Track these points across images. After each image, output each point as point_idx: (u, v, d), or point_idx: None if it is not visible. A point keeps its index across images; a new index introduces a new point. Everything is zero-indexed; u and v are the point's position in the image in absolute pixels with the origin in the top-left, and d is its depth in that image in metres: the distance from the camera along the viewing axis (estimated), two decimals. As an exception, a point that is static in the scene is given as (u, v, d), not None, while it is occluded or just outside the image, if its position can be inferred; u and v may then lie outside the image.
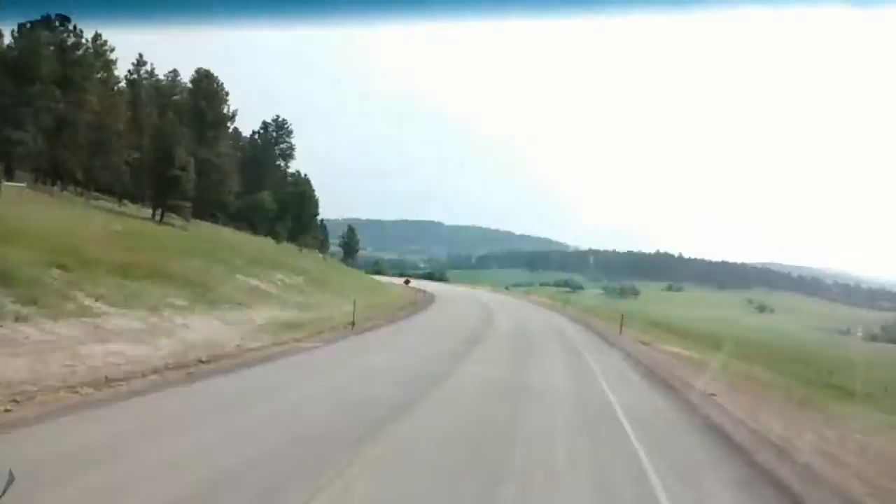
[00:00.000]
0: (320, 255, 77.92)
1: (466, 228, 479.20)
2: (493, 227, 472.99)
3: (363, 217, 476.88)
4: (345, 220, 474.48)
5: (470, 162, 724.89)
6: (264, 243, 58.52)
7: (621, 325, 44.13)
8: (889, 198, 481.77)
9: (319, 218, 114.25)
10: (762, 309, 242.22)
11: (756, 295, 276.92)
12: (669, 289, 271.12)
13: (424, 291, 76.34)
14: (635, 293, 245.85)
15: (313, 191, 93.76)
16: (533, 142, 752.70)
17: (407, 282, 75.50)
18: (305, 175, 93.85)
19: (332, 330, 27.95)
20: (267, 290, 36.49)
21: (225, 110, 61.27)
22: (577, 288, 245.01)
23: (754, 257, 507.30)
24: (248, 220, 69.70)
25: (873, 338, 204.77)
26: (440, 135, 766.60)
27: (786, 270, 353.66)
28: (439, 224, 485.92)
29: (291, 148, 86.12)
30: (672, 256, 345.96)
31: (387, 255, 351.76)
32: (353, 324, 29.88)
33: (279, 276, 43.51)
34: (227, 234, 53.35)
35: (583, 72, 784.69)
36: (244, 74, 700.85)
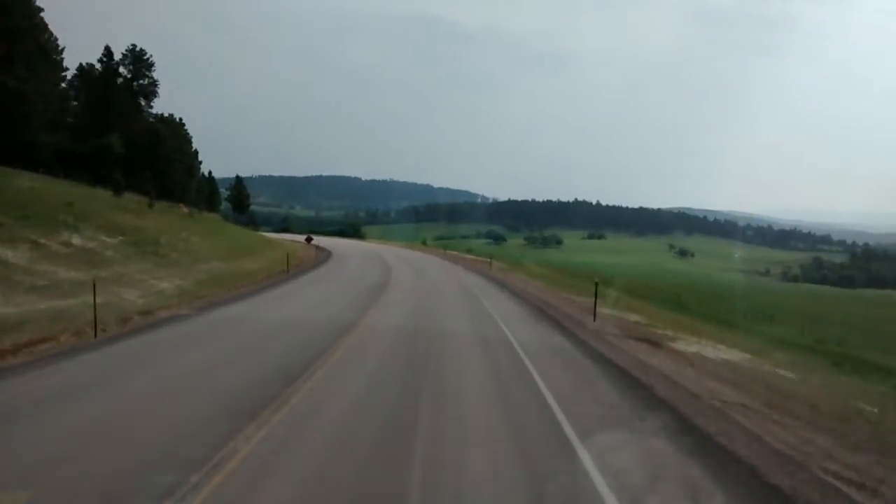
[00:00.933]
0: (185, 210, 63.15)
1: (384, 182, 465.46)
2: (411, 180, 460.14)
3: (276, 174, 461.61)
4: (260, 177, 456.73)
5: (382, 112, 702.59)
6: (86, 195, 43.84)
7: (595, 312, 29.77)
8: (797, 142, 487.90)
9: (208, 171, 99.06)
10: (683, 254, 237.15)
11: (675, 240, 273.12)
12: (591, 237, 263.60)
13: (325, 250, 63.59)
14: (558, 242, 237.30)
15: (186, 136, 78.63)
16: (447, 89, 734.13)
17: (309, 239, 62.47)
18: (180, 119, 78.92)
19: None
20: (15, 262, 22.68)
21: (29, 25, 45.20)
22: (499, 239, 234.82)
23: (670, 202, 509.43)
24: (92, 167, 54.82)
25: (794, 279, 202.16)
26: (349, 84, 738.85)
27: (701, 215, 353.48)
28: (356, 179, 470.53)
29: (154, 84, 70.43)
30: (590, 204, 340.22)
31: (303, 213, 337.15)
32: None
33: (76, 237, 29.65)
34: (25, 182, 38.67)
35: (491, 8, 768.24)
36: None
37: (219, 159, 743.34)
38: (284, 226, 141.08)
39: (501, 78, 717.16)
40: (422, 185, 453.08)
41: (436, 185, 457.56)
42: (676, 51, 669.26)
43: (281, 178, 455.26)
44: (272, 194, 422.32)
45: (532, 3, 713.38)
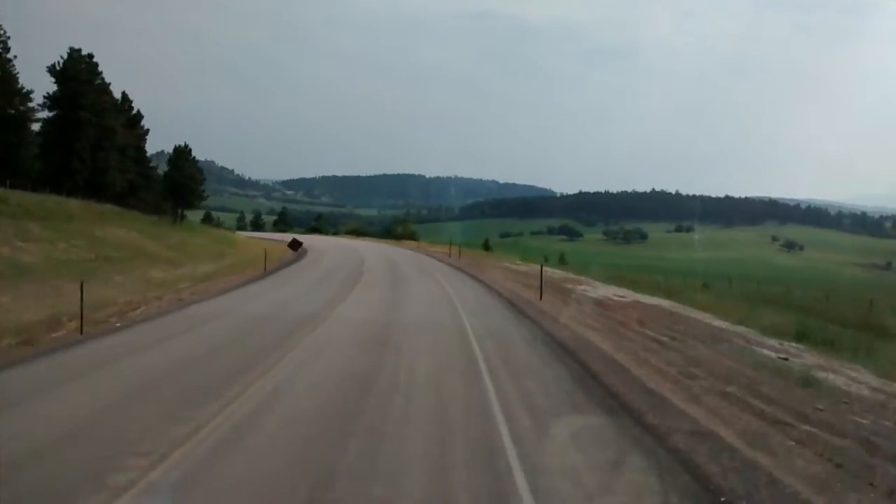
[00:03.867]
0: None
1: (448, 179, 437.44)
2: (476, 176, 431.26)
3: (339, 174, 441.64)
4: (322, 177, 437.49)
5: (446, 110, 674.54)
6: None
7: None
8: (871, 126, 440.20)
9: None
10: (790, 246, 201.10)
11: (769, 230, 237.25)
12: (678, 230, 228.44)
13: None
14: (642, 237, 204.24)
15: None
16: (512, 84, 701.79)
17: (295, 245, 35.71)
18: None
19: None
20: None
21: None
22: (574, 235, 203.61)
23: (751, 191, 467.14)
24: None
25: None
26: (413, 83, 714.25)
27: (792, 203, 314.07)
28: (420, 177, 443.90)
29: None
30: (670, 195, 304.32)
31: (365, 212, 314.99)
32: None
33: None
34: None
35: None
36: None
37: (282, 161, 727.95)
38: (315, 225, 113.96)
39: (568, 70, 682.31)
40: (487, 181, 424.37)
41: (501, 180, 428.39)
42: (750, 38, 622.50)
43: (344, 178, 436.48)
44: (336, 195, 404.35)
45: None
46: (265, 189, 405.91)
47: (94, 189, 51.76)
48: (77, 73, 51.57)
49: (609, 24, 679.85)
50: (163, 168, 77.11)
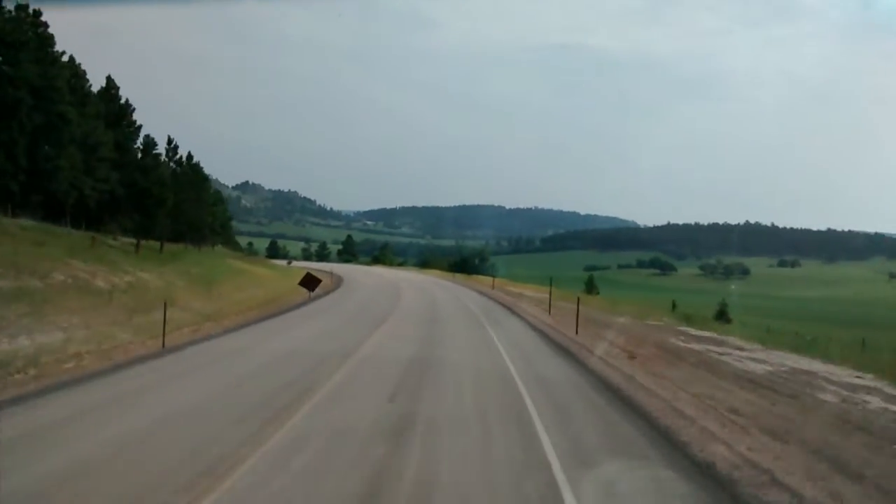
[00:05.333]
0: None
1: (528, 211, 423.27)
2: (556, 207, 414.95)
3: (419, 204, 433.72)
4: (402, 208, 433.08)
5: (526, 142, 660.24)
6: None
7: None
8: None
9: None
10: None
11: (875, 265, 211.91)
12: (781, 265, 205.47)
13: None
14: (743, 272, 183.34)
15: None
16: (592, 116, 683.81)
17: (309, 283, 22.22)
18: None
19: None
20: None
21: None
22: (666, 269, 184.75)
23: (860, 224, 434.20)
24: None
25: None
26: (492, 116, 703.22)
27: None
28: (499, 207, 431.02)
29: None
30: (765, 227, 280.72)
31: (443, 242, 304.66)
32: None
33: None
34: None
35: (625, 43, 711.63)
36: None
37: (363, 192, 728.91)
38: (377, 256, 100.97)
39: (650, 101, 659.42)
40: (567, 213, 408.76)
41: (582, 211, 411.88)
42: (835, 66, 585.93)
43: (424, 208, 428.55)
44: (415, 225, 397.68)
45: (680, 24, 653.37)
46: (346, 219, 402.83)
47: (50, 202, 38.48)
48: (15, 34, 36.70)
49: (691, 55, 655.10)
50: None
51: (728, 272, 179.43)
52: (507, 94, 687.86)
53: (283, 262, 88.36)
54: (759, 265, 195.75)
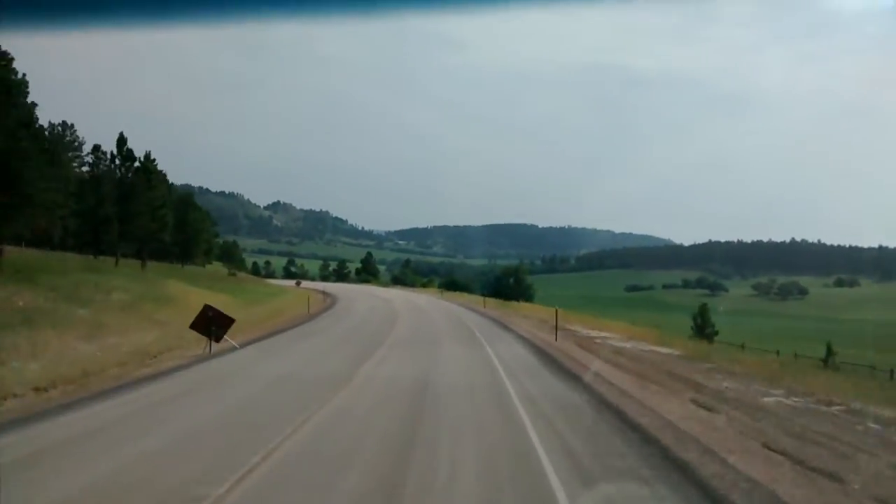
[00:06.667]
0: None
1: (562, 230, 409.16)
2: (590, 226, 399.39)
3: (450, 223, 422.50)
4: (433, 227, 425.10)
5: (558, 160, 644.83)
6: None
7: None
8: None
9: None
10: None
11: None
12: (838, 284, 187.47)
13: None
14: (801, 292, 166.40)
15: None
16: (626, 134, 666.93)
17: (201, 324, 6.60)
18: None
19: None
20: None
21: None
22: (716, 289, 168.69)
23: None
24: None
25: None
26: (524, 135, 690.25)
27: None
28: (532, 227, 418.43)
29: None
30: (811, 244, 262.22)
31: (476, 262, 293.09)
32: None
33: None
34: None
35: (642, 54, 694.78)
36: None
37: (395, 212, 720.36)
38: (398, 275, 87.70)
39: (682, 119, 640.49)
40: (602, 231, 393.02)
41: (617, 230, 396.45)
42: (874, 80, 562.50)
43: (455, 227, 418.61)
44: (447, 245, 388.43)
45: (713, 41, 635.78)
46: (377, 239, 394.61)
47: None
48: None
49: (724, 72, 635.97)
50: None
51: (784, 292, 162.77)
52: (539, 114, 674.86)
53: (291, 283, 76.07)
54: (815, 285, 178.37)
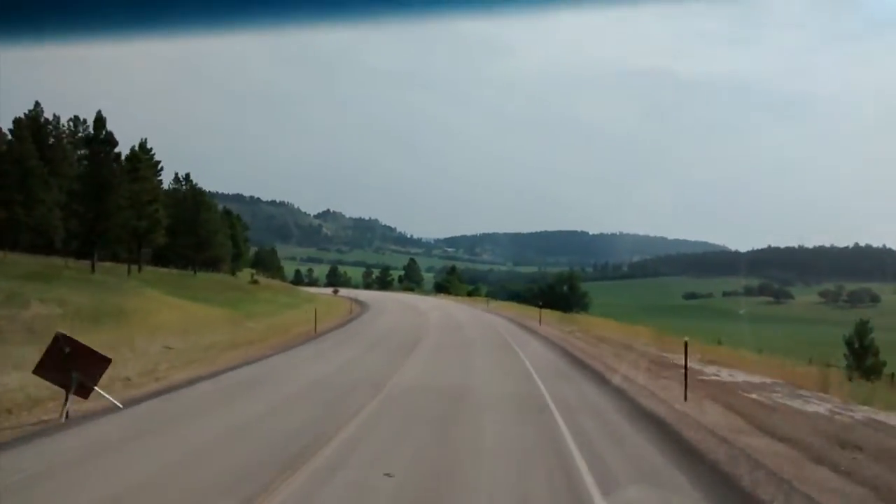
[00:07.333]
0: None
1: (614, 236, 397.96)
2: (642, 233, 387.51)
3: (500, 231, 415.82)
4: (482, 234, 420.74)
5: (611, 167, 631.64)
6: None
7: None
8: None
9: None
10: None
11: None
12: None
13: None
14: (873, 300, 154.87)
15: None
16: (679, 140, 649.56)
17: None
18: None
19: None
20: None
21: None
22: (780, 296, 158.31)
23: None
24: None
25: None
26: (576, 142, 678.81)
27: None
28: (583, 234, 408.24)
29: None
30: (877, 249, 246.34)
31: (525, 269, 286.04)
32: None
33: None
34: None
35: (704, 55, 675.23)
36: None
37: (443, 220, 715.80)
38: (442, 282, 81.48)
39: (737, 124, 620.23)
40: (655, 238, 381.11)
41: (670, 236, 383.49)
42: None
43: (505, 235, 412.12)
44: (496, 252, 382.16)
45: (766, 44, 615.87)
46: (426, 247, 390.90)
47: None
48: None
49: (780, 75, 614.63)
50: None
51: (854, 299, 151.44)
52: (592, 119, 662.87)
53: (328, 291, 70.88)
54: (884, 291, 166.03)
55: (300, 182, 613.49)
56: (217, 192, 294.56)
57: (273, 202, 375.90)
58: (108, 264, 39.74)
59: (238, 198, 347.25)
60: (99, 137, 35.64)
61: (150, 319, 20.81)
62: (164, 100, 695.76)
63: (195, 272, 54.67)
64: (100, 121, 34.89)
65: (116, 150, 38.71)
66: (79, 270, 33.68)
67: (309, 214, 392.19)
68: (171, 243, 51.51)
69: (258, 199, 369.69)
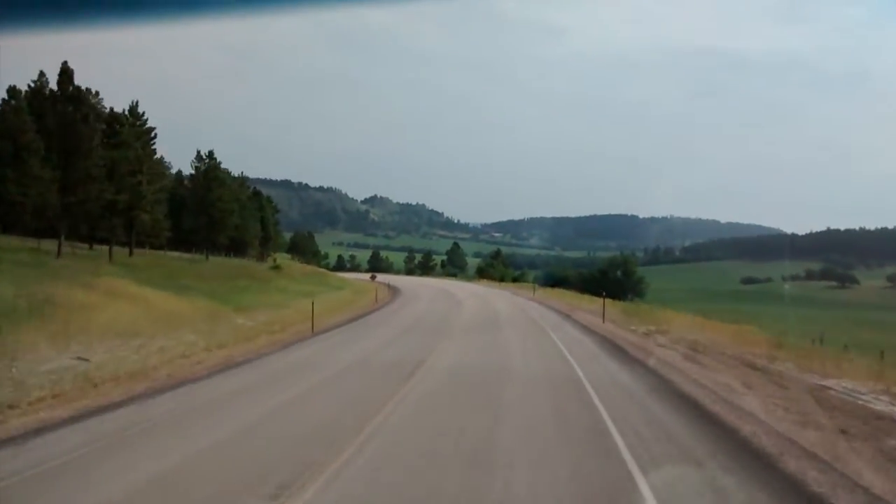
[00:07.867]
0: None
1: (664, 220, 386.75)
2: (693, 216, 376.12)
3: (548, 215, 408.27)
4: (529, 219, 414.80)
5: (658, 149, 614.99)
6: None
7: None
8: None
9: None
10: None
11: None
12: None
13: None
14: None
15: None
16: (729, 119, 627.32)
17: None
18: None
19: None
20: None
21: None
22: (845, 280, 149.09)
23: None
24: None
25: None
26: (622, 122, 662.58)
27: None
28: (633, 217, 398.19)
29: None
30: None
31: (573, 254, 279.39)
32: None
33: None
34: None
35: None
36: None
37: (490, 204, 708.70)
38: (484, 266, 76.51)
39: (791, 102, 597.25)
40: (707, 221, 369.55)
41: (722, 220, 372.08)
42: None
43: (553, 219, 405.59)
44: (544, 236, 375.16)
45: (823, 20, 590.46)
46: (473, 231, 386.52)
47: None
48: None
49: (836, 51, 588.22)
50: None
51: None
52: (640, 100, 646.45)
53: (366, 277, 66.88)
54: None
55: (347, 168, 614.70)
56: (265, 179, 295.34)
57: (321, 188, 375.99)
58: (85, 247, 35.50)
59: (286, 184, 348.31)
60: (66, 94, 31.19)
61: (93, 316, 16.53)
62: (211, 87, 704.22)
63: (207, 257, 50.29)
64: (65, 73, 30.38)
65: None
66: (39, 253, 29.72)
67: (356, 200, 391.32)
68: (191, 225, 47.96)
69: (306, 185, 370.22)
